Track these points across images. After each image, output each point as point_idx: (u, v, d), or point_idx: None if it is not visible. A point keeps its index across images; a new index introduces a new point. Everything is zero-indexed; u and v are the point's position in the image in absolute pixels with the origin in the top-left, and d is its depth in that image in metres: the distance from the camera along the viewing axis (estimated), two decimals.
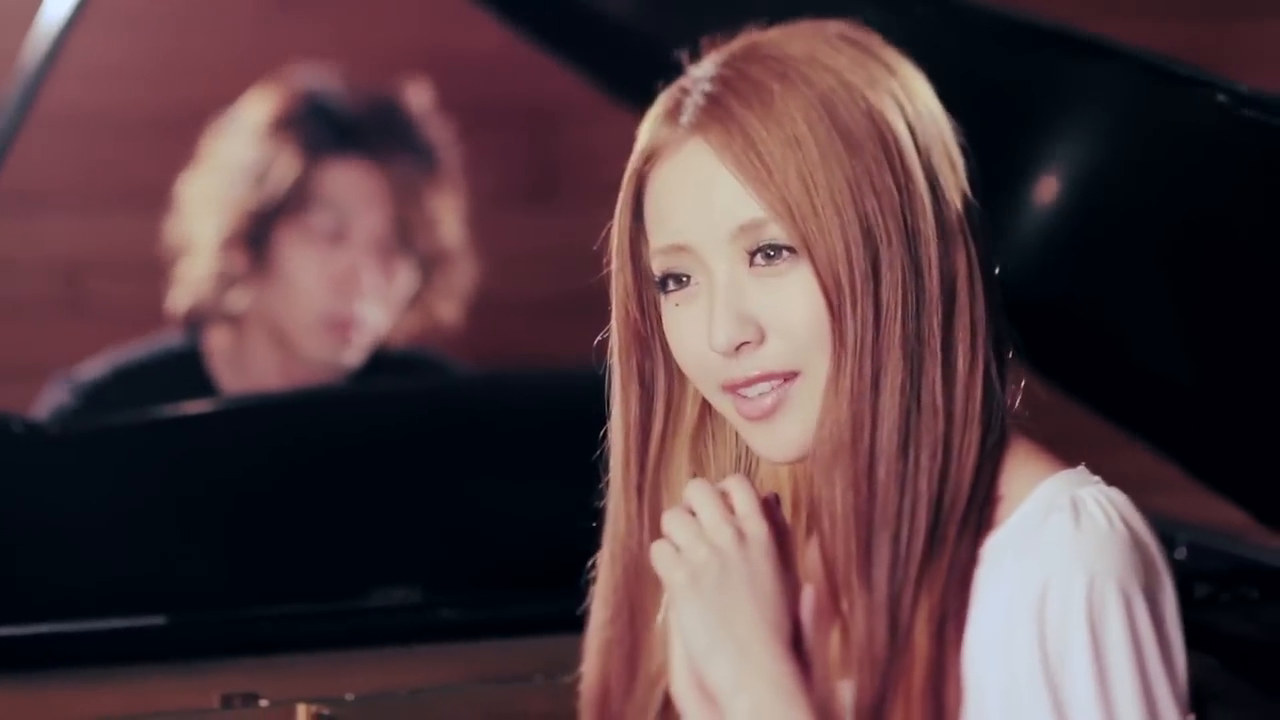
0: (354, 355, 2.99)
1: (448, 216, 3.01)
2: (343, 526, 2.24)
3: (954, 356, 1.02)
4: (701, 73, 1.11)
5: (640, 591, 1.10)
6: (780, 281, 1.04)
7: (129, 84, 4.86)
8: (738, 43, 1.13)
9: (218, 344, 3.07)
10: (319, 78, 3.07)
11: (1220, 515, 2.06)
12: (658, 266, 1.11)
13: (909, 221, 1.03)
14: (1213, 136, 1.49)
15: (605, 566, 1.16)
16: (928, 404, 1.01)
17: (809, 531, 1.12)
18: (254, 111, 3.02)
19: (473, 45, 3.96)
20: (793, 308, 1.04)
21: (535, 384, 2.78)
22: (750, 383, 1.07)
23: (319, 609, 2.01)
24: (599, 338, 1.18)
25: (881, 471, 1.02)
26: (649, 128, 1.10)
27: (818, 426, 1.05)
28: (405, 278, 2.98)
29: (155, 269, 3.29)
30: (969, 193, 1.07)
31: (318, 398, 2.79)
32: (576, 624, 2.03)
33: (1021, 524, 1.02)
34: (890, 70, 1.07)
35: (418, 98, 3.09)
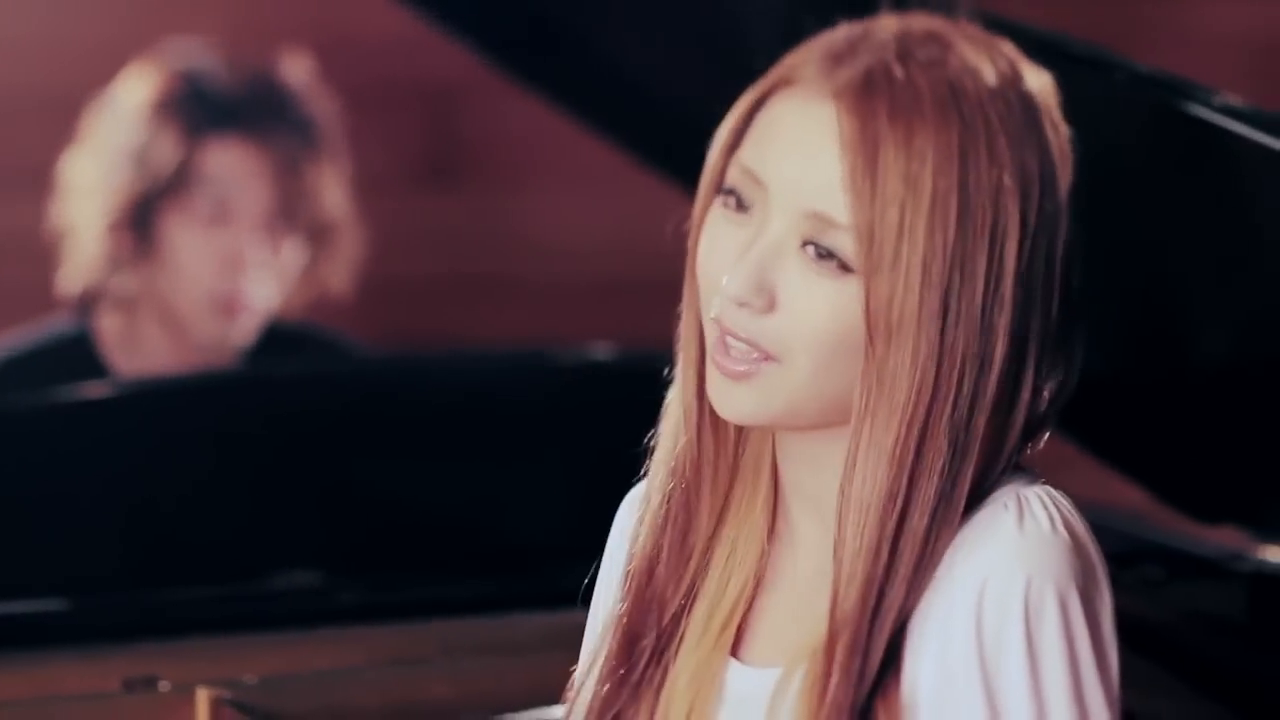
0: (244, 333, 2.98)
1: (331, 189, 3.01)
2: (243, 510, 2.24)
3: (996, 457, 1.03)
4: (881, 39, 1.06)
5: (697, 472, 1.09)
6: (819, 278, 1.01)
7: (9, 64, 4.78)
8: (930, 30, 1.08)
9: (108, 327, 3.05)
10: (197, 56, 3.05)
11: (1121, 495, 2.10)
12: (731, 177, 1.06)
13: (987, 315, 1.02)
14: (1112, 117, 1.49)
15: (667, 439, 1.14)
16: (958, 493, 1.01)
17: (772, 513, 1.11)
18: (133, 92, 3.00)
19: (370, 25, 3.93)
20: (817, 307, 1.03)
21: (435, 366, 2.78)
22: (736, 337, 1.04)
23: (220, 593, 2.00)
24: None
25: (906, 549, 1.02)
26: (801, 57, 1.06)
27: (848, 474, 1.05)
28: (292, 252, 2.97)
29: (41, 251, 3.24)
30: (1055, 305, 1.06)
31: (217, 381, 2.77)
32: (476, 607, 2.05)
33: (971, 524, 1.03)
34: (1044, 153, 1.05)
35: (295, 72, 3.08)
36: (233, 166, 2.99)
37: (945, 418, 1.03)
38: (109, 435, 2.28)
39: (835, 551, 1.03)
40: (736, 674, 1.11)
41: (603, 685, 1.13)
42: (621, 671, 1.12)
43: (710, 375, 1.09)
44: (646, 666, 1.12)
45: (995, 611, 0.99)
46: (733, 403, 1.06)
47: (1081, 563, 1.01)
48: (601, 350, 2.77)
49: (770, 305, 1.04)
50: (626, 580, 1.15)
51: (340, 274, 3.16)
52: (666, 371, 1.15)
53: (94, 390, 2.58)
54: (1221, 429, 1.79)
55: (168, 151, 2.91)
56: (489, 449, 1.65)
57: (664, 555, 1.14)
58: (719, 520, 1.13)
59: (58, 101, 4.18)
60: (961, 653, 1.00)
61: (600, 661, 1.15)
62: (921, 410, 1.02)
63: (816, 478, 1.08)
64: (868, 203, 1.01)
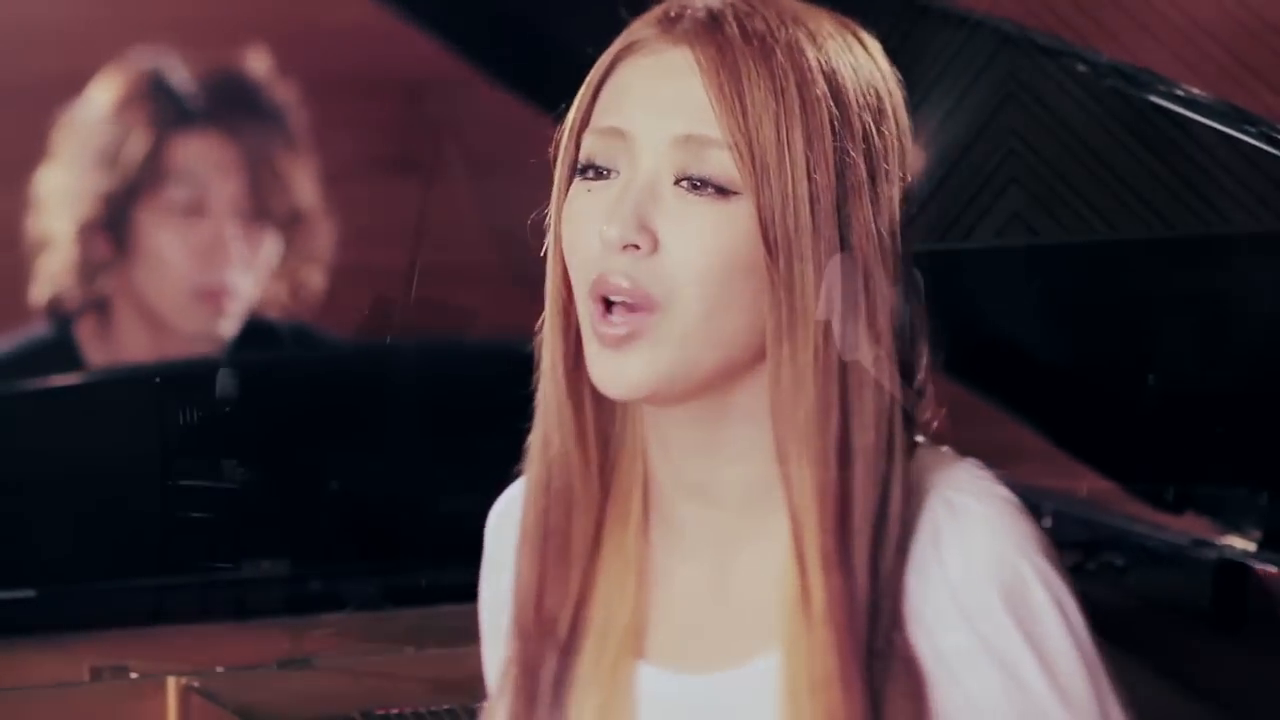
0: (229, 324, 2.98)
1: (302, 179, 3.02)
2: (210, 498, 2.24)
3: (889, 352, 1.01)
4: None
5: (570, 480, 1.06)
6: (698, 208, 1.00)
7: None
8: None
9: (87, 331, 3.06)
10: (160, 55, 3.06)
11: (1080, 484, 2.10)
12: (586, 150, 1.03)
13: (875, 221, 1.02)
14: (1073, 106, 1.50)
15: (536, 452, 1.11)
16: (894, 407, 1.00)
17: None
18: (99, 97, 3.00)
19: (334, 14, 3.92)
20: (701, 238, 0.99)
21: (404, 354, 2.78)
22: (619, 290, 1.01)
23: (188, 581, 2.00)
24: None
25: (859, 466, 1.00)
26: (638, 24, 1.05)
27: (777, 399, 1.00)
28: (268, 244, 2.97)
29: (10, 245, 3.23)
30: (900, 201, 1.05)
31: (185, 369, 2.77)
32: (445, 596, 2.05)
33: (944, 511, 1.01)
34: (885, 81, 1.06)
35: (259, 64, 3.09)
36: (203, 159, 3.00)
37: (860, 322, 1.01)
38: (79, 422, 2.25)
39: (786, 488, 1.00)
40: (650, 679, 1.09)
41: (518, 686, 1.11)
42: (531, 704, 1.09)
43: (591, 354, 1.04)
44: (555, 693, 1.09)
45: (1021, 597, 0.98)
46: (620, 373, 1.01)
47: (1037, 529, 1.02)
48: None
49: (654, 245, 1.00)
50: (516, 603, 1.12)
51: (315, 269, 3.16)
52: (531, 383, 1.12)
53: (64, 379, 2.57)
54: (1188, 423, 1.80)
55: (135, 148, 2.91)
56: (460, 439, 1.65)
57: (549, 574, 1.11)
58: (598, 526, 1.10)
59: (23, 92, 4.19)
60: (999, 643, 0.99)
61: (506, 697, 1.12)
62: (836, 317, 1.00)
63: (699, 462, 1.06)
64: (740, 118, 0.99)
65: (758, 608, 1.05)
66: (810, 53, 1.04)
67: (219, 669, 1.72)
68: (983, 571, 1.01)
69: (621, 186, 1.02)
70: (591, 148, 1.05)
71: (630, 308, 1.01)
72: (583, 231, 1.03)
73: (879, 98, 1.05)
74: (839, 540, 0.99)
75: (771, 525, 1.06)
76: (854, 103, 1.02)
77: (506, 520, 1.20)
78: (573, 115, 1.08)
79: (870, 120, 1.03)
